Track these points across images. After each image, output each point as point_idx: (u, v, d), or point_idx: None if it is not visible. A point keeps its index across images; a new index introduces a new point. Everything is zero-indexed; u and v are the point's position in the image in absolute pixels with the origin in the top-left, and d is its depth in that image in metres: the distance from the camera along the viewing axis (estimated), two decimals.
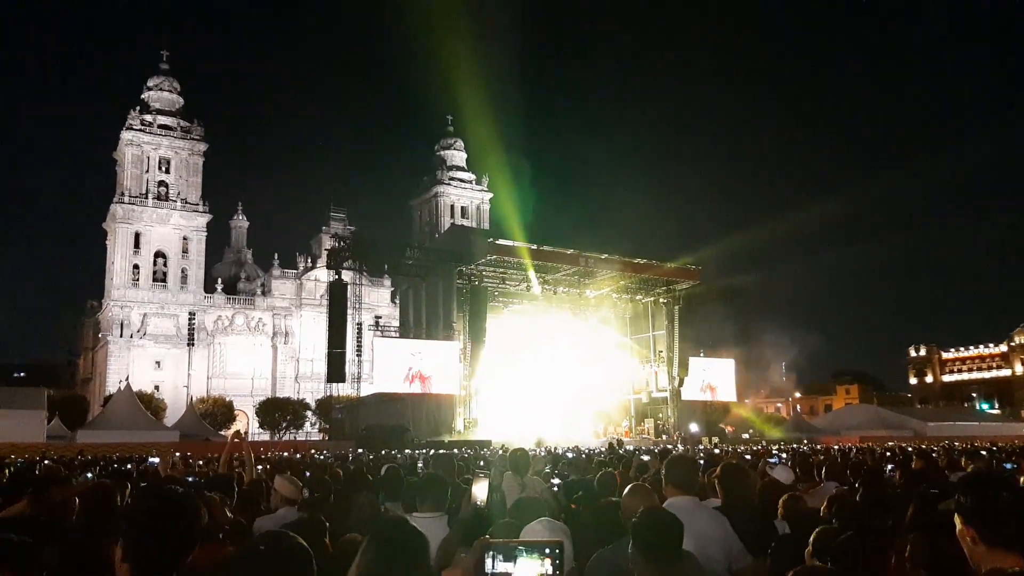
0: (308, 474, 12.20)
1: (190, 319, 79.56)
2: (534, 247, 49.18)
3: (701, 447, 34.20)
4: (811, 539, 3.53)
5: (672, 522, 3.20)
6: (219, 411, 67.88)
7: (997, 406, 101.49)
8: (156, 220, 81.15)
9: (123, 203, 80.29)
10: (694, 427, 53.84)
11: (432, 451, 27.09)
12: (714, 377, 59.84)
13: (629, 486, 4.10)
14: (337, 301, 48.43)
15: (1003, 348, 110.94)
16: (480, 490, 3.69)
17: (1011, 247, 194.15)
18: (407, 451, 27.49)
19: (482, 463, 11.07)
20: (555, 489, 5.00)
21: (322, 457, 21.50)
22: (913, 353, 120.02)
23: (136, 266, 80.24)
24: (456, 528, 3.63)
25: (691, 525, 3.72)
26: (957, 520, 2.42)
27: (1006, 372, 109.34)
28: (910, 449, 22.82)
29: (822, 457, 13.84)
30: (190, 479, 4.97)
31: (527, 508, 3.69)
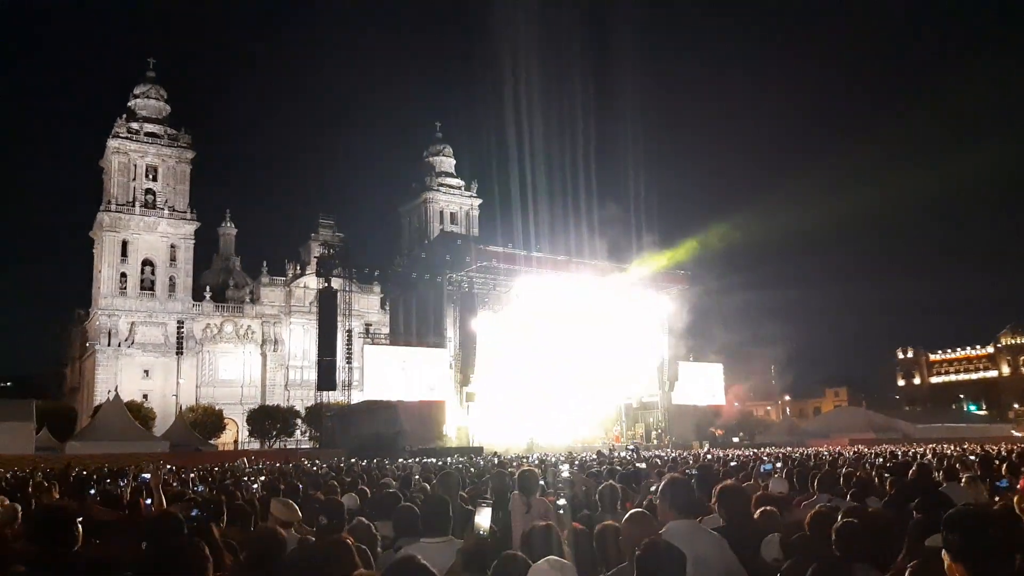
0: (300, 486, 12.21)
1: (178, 327, 78.82)
2: (523, 253, 49.35)
3: (692, 452, 34.34)
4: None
5: (676, 556, 3.28)
6: (209, 420, 67.44)
7: (984, 407, 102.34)
8: (143, 228, 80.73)
9: (110, 211, 79.84)
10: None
11: (424, 459, 27.11)
12: (703, 381, 60.18)
13: (628, 513, 4.17)
14: (327, 308, 48.38)
15: (989, 350, 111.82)
16: (483, 518, 3.75)
17: (996, 250, 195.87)
18: (400, 460, 27.47)
19: (481, 480, 11.10)
20: (561, 512, 5.08)
21: (315, 467, 21.44)
22: (901, 355, 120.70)
23: (123, 274, 79.76)
24: (459, 558, 3.69)
25: (691, 550, 3.79)
26: (945, 557, 2.47)
27: (993, 373, 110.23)
28: (900, 453, 23.03)
29: (812, 465, 13.94)
30: (193, 512, 4.98)
31: (536, 540, 3.77)
